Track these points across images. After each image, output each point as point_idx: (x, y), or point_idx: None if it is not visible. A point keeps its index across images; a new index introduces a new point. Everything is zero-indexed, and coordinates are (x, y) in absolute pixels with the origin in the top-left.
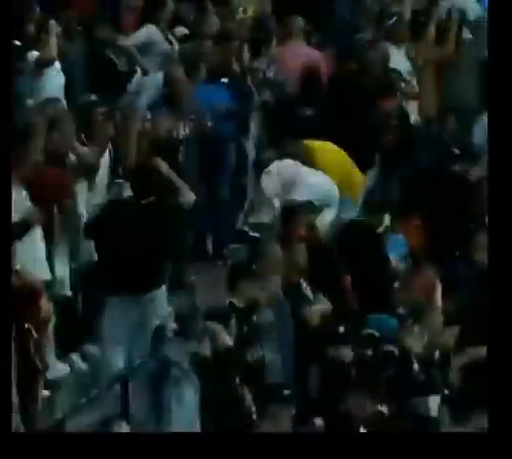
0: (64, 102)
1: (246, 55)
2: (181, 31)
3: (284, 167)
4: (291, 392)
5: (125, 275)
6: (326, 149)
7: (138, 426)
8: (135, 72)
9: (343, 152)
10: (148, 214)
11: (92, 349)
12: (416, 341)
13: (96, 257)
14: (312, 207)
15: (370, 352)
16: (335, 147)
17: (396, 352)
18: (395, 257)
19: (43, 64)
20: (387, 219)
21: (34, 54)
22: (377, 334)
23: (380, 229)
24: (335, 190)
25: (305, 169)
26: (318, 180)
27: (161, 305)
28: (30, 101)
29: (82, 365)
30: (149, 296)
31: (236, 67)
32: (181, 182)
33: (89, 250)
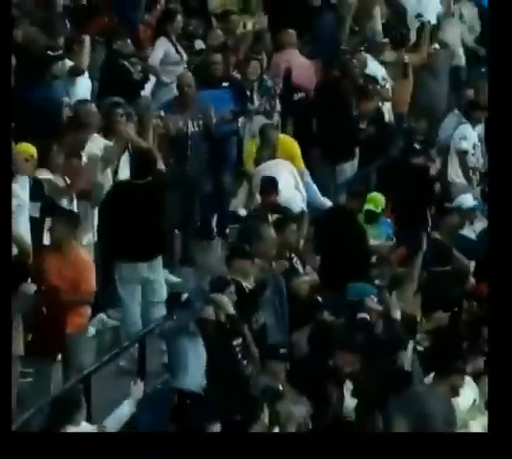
0: (92, 103)
1: (248, 64)
2: (199, 44)
3: (267, 168)
4: (287, 351)
5: (130, 244)
6: (284, 141)
7: (152, 381)
8: (148, 79)
9: (295, 144)
10: (145, 193)
11: (112, 312)
12: (393, 308)
13: (110, 229)
14: None
15: (355, 316)
16: (290, 139)
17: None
18: (382, 236)
19: (76, 72)
20: (383, 202)
21: (67, 62)
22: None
23: (378, 210)
24: (300, 197)
25: (282, 172)
26: (286, 185)
27: (160, 272)
28: (66, 99)
29: (113, 322)
30: (151, 264)
31: (235, 74)
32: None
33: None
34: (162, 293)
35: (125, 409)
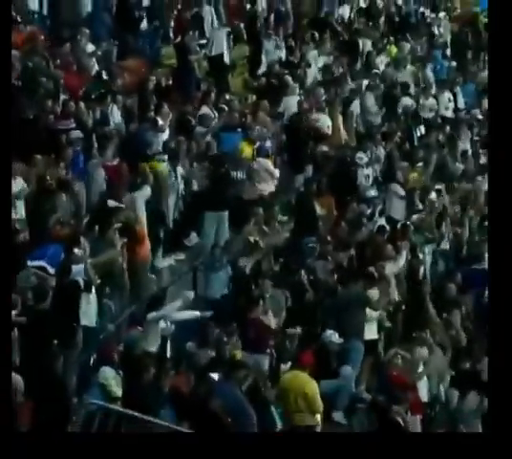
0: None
1: (250, 118)
2: (224, 107)
3: (262, 162)
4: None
5: (211, 201)
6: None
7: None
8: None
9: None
10: (218, 181)
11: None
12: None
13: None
14: None
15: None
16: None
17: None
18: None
19: (161, 131)
20: None
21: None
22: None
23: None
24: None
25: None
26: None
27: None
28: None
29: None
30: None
31: (245, 124)
32: None
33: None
34: (226, 235)
35: (175, 305)
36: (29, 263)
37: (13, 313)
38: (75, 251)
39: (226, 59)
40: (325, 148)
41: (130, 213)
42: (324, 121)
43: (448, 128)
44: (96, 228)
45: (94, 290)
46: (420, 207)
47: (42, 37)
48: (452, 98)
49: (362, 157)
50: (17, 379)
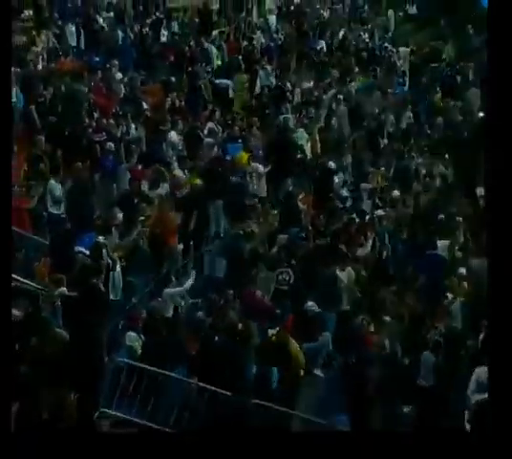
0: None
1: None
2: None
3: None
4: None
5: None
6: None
7: (205, 271)
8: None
9: None
10: (214, 179)
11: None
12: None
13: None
14: None
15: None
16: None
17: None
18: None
19: (175, 142)
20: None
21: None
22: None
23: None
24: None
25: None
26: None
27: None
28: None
29: None
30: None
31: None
32: None
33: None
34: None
35: (188, 284)
36: (75, 249)
37: (64, 289)
38: (101, 238)
39: (229, 90)
40: (301, 156)
41: (152, 208)
42: (299, 135)
43: (412, 140)
44: (124, 220)
45: (119, 269)
46: (383, 203)
47: (80, 66)
48: (412, 115)
49: (333, 164)
50: (64, 334)
